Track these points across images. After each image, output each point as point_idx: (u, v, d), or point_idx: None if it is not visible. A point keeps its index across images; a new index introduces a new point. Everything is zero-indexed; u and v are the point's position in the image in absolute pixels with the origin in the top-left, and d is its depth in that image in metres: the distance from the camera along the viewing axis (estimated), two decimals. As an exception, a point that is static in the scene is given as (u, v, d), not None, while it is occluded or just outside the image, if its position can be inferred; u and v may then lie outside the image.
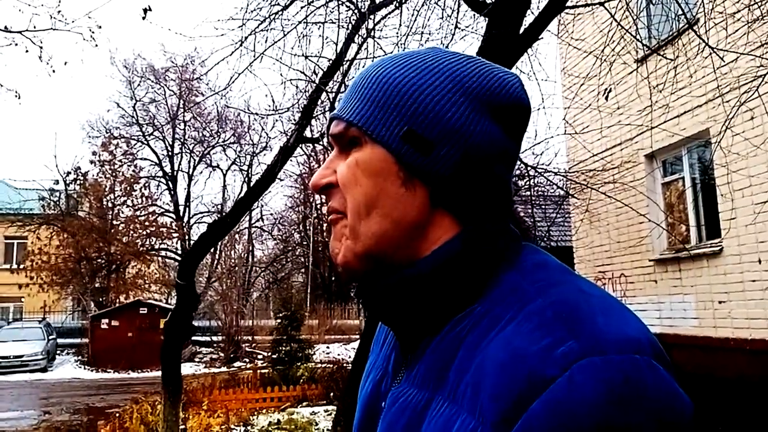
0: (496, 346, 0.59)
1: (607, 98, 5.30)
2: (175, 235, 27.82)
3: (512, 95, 0.71)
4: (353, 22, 5.84)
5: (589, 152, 9.81)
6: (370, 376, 0.81)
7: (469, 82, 0.70)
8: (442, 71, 0.70)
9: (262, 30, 5.41)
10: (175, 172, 32.39)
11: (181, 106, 29.48)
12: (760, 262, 7.16)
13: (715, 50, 4.12)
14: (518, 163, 8.91)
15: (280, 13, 5.47)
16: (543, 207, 12.44)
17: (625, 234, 9.71)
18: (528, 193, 10.55)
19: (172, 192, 31.96)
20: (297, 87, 6.13)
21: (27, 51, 7.99)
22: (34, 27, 8.98)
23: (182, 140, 32.27)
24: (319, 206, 33.55)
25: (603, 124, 9.32)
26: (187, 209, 32.79)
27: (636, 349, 0.55)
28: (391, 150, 0.69)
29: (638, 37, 4.71)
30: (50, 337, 21.77)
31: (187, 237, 27.68)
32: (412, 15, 5.15)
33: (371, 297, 0.72)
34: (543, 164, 9.85)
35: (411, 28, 5.30)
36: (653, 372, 0.54)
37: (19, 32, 8.88)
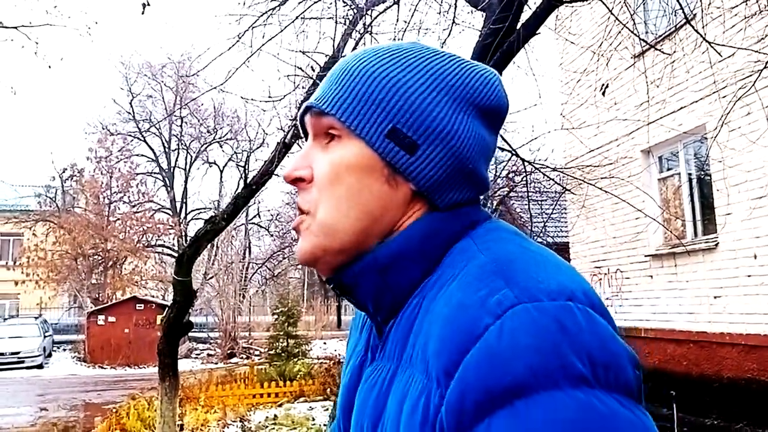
0: (440, 302, 0.61)
1: (604, 94, 5.31)
2: (171, 231, 27.76)
3: (495, 95, 0.72)
4: (350, 17, 5.83)
5: (585, 147, 9.83)
6: (351, 361, 0.80)
7: (454, 80, 0.70)
8: (427, 69, 0.70)
9: (259, 25, 5.40)
10: (171, 169, 32.34)
11: (178, 102, 29.39)
12: (755, 257, 7.19)
13: (712, 45, 4.12)
14: (515, 158, 8.95)
15: (277, 8, 5.46)
16: (539, 202, 12.47)
17: (621, 229, 9.73)
18: (524, 188, 10.57)
19: (169, 188, 31.91)
20: (294, 83, 6.11)
21: (23, 47, 7.94)
22: (30, 23, 8.95)
23: (179, 136, 32.21)
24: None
25: (600, 120, 9.34)
26: (184, 206, 32.75)
27: (569, 297, 0.55)
28: (374, 148, 0.69)
29: (636, 31, 4.71)
30: (46, 334, 21.73)
31: (183, 233, 27.62)
32: (410, 10, 5.14)
33: (342, 283, 0.72)
34: (540, 160, 9.86)
35: (408, 23, 5.29)
36: (586, 317, 0.54)
37: (15, 28, 8.85)
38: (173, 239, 28.96)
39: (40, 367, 19.56)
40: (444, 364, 0.55)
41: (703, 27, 4.42)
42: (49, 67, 11.36)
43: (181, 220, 29.53)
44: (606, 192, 7.03)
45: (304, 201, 0.72)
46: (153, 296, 24.86)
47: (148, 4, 4.45)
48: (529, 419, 0.49)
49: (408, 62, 0.70)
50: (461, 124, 0.69)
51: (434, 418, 0.55)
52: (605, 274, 10.35)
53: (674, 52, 5.54)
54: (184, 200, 32.80)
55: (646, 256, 9.19)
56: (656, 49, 4.93)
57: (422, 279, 0.68)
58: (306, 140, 0.76)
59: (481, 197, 0.76)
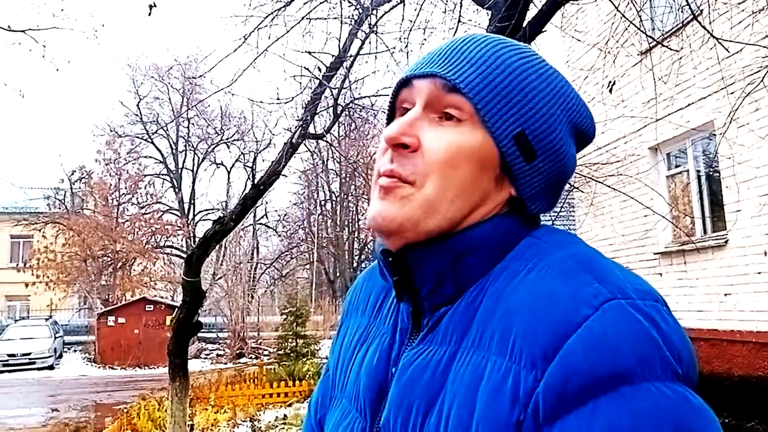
0: (522, 291, 0.62)
1: (611, 91, 5.28)
2: (180, 232, 27.89)
3: (591, 122, 0.75)
4: (356, 17, 5.84)
5: (593, 144, 9.79)
6: (371, 345, 0.77)
7: (571, 98, 0.72)
8: (554, 80, 0.71)
9: (265, 26, 5.41)
10: (179, 170, 32.46)
11: (185, 103, 29.50)
12: (765, 254, 7.14)
13: (719, 41, 4.10)
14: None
15: (283, 9, 5.47)
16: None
17: (629, 227, 9.69)
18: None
19: (177, 189, 32.03)
20: (300, 83, 6.12)
21: (31, 50, 7.99)
22: (37, 26, 9.01)
23: (186, 138, 32.33)
24: (323, 202, 33.58)
25: (607, 117, 9.30)
26: (192, 207, 32.87)
27: (655, 299, 0.59)
28: (500, 145, 0.68)
29: (642, 28, 4.69)
30: (57, 335, 21.88)
31: (192, 234, 27.73)
32: (415, 10, 5.14)
33: (404, 261, 0.70)
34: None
35: (414, 22, 5.29)
36: (672, 318, 0.58)
37: (22, 31, 8.90)
38: (181, 240, 29.10)
39: (51, 368, 19.70)
40: (541, 348, 0.57)
41: (710, 23, 4.40)
42: (57, 70, 11.41)
43: (189, 221, 29.65)
44: (614, 189, 7.01)
45: (407, 169, 0.69)
46: (162, 297, 24.99)
47: (155, 6, 4.48)
48: (635, 405, 0.52)
49: (540, 68, 0.71)
50: (568, 143, 0.71)
51: (527, 399, 0.56)
52: (614, 271, 10.31)
53: (681, 48, 5.50)
54: (192, 201, 32.92)
55: (655, 253, 9.15)
56: (663, 46, 4.90)
57: (487, 270, 0.69)
58: (409, 105, 0.73)
59: None
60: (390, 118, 0.76)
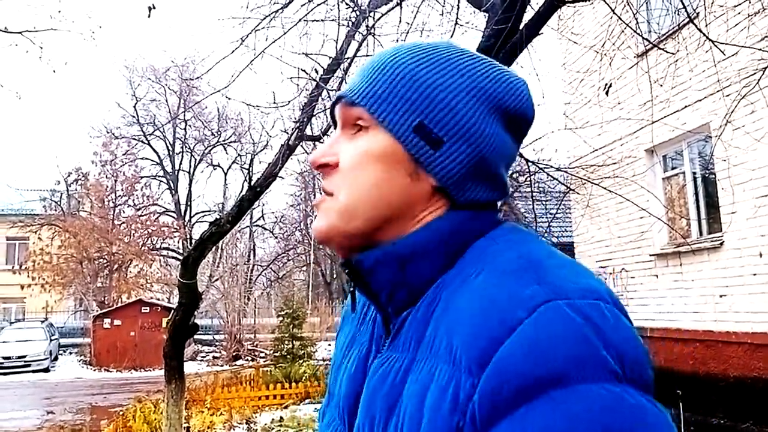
0: (467, 295, 0.63)
1: (607, 93, 5.30)
2: (176, 234, 27.84)
3: (522, 102, 0.74)
4: (353, 19, 5.84)
5: (589, 147, 9.81)
6: (353, 352, 0.80)
7: (484, 83, 0.72)
8: (457, 69, 0.72)
9: (262, 28, 5.41)
10: (176, 172, 32.43)
11: (182, 105, 29.47)
12: (761, 255, 7.16)
13: (715, 44, 4.11)
14: (519, 158, 8.94)
15: (280, 11, 5.47)
16: (543, 202, 12.45)
17: (625, 229, 9.71)
18: (528, 188, 10.56)
19: (173, 191, 32.00)
20: (297, 85, 6.12)
21: (27, 52, 7.98)
22: (34, 27, 8.99)
23: (183, 139, 32.29)
24: (319, 204, 33.41)
25: (603, 119, 9.33)
26: (189, 208, 32.81)
27: (597, 297, 0.58)
28: (400, 140, 0.71)
29: (638, 31, 4.71)
30: (53, 337, 21.79)
31: (188, 236, 27.69)
32: (412, 12, 5.15)
33: (359, 268, 0.73)
34: (543, 160, 9.86)
35: (411, 25, 5.29)
36: (613, 316, 0.57)
37: (19, 32, 8.88)
38: (178, 242, 29.06)
39: (46, 370, 19.62)
40: (477, 355, 0.57)
41: (706, 26, 4.42)
42: (54, 71, 11.38)
43: (185, 223, 29.60)
44: (610, 191, 7.02)
45: (329, 184, 0.75)
46: (158, 299, 24.91)
47: (154, 7, 4.47)
48: (567, 408, 0.52)
49: (439, 61, 0.73)
50: (486, 125, 0.71)
51: (465, 406, 0.57)
52: (610, 273, 10.33)
53: (678, 51, 5.53)
54: (189, 203, 32.87)
55: (651, 255, 9.17)
56: (659, 48, 4.92)
57: (440, 274, 0.70)
58: (335, 129, 0.78)
59: (500, 202, 0.78)
60: None
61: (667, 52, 5.25)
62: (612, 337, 0.55)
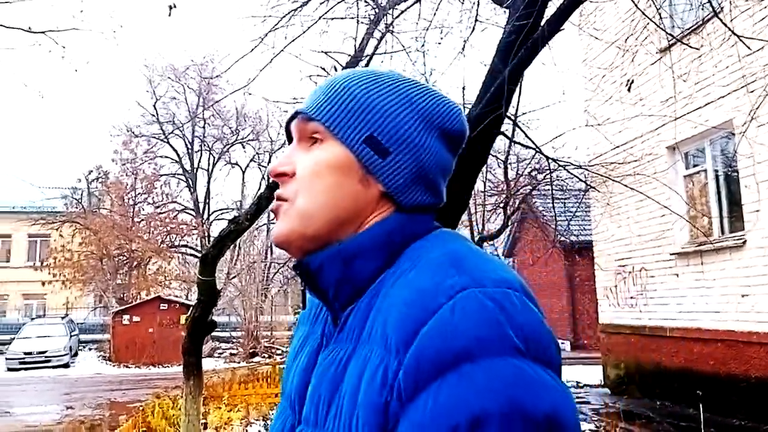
0: (400, 287, 0.71)
1: (629, 89, 5.22)
2: (194, 232, 28.01)
3: (456, 122, 0.85)
4: (372, 17, 5.82)
5: (610, 144, 9.72)
6: (304, 348, 0.88)
7: (423, 104, 0.83)
8: (402, 92, 0.83)
9: (281, 27, 5.41)
10: (194, 170, 32.59)
11: (201, 104, 29.64)
12: (786, 254, 7.05)
13: (741, 39, 4.04)
14: (538, 156, 8.88)
15: (299, 9, 5.47)
16: (563, 201, 12.36)
17: (645, 227, 9.61)
18: (547, 187, 10.47)
19: (192, 189, 32.17)
20: (316, 83, 6.12)
21: (50, 51, 8.06)
22: (57, 27, 9.08)
23: (202, 138, 32.45)
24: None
25: (624, 116, 9.22)
26: (207, 206, 32.99)
27: (508, 286, 0.67)
28: (353, 151, 0.80)
29: (662, 25, 4.64)
30: (73, 333, 22.06)
31: (206, 234, 27.85)
32: (432, 9, 5.12)
33: (308, 268, 0.81)
34: (562, 158, 9.78)
35: (431, 22, 5.27)
36: (521, 302, 0.66)
37: (42, 32, 8.98)
38: (196, 239, 29.21)
39: (66, 366, 19.86)
40: (403, 336, 0.65)
41: (731, 20, 4.34)
42: (76, 70, 11.50)
43: (204, 221, 29.77)
44: (632, 189, 6.94)
45: (285, 191, 0.83)
46: (177, 296, 25.08)
47: (175, 6, 4.49)
48: (473, 379, 0.60)
49: (386, 85, 0.83)
50: (425, 139, 0.82)
51: (392, 382, 0.65)
52: (629, 272, 10.23)
53: (702, 46, 5.44)
54: (207, 201, 33.06)
55: (671, 254, 9.07)
56: (683, 43, 4.84)
57: (381, 272, 0.78)
58: (291, 143, 0.87)
59: (435, 211, 0.87)
60: None
61: (690, 47, 5.16)
62: (518, 319, 0.64)
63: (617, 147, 9.85)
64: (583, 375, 12.52)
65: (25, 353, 19.54)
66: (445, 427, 0.59)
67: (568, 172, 7.21)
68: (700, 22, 6.45)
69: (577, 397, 10.22)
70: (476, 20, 4.83)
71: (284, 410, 0.88)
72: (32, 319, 25.74)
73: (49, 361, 19.54)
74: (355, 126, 0.81)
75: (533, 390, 0.60)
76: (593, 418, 8.59)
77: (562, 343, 20.43)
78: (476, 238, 9.57)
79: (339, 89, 0.83)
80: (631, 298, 10.19)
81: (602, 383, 11.26)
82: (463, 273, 0.68)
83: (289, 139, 0.89)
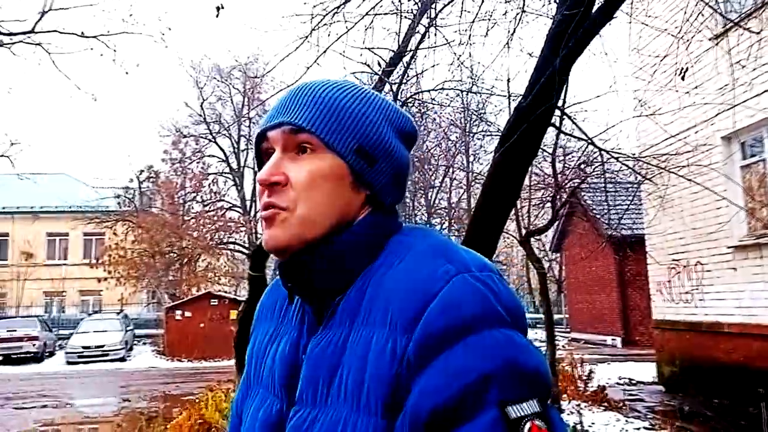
0: (395, 277, 0.82)
1: (683, 78, 5.04)
2: (242, 229, 28.47)
3: (411, 125, 0.97)
4: (415, 12, 5.79)
5: (664, 132, 9.42)
6: (280, 341, 0.95)
7: (391, 113, 0.94)
8: (374, 102, 0.93)
9: (325, 24, 5.43)
10: (241, 168, 33.09)
11: (246, 103, 30.08)
12: None
13: (804, 21, 3.86)
14: (587, 148, 8.68)
15: (343, 5, 5.48)
16: (613, 194, 12.08)
17: (701, 220, 9.31)
18: (595, 180, 10.23)
19: (239, 187, 32.68)
20: (359, 80, 6.12)
21: (102, 55, 8.31)
22: (108, 32, 9.35)
23: (247, 137, 32.94)
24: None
25: (677, 105, 8.94)
26: (254, 204, 33.49)
27: (489, 270, 0.81)
28: (346, 160, 0.88)
29: (719, 9, 4.47)
30: (128, 328, 22.76)
31: (254, 230, 28.28)
32: (475, 1, 5.06)
33: (298, 267, 0.88)
34: (612, 149, 9.54)
35: (477, 15, 5.20)
36: (501, 282, 0.81)
37: (94, 37, 9.26)
38: (244, 236, 29.68)
39: (122, 360, 20.52)
40: (411, 317, 0.76)
41: (793, 2, 4.15)
42: (126, 73, 11.83)
43: (251, 218, 30.24)
44: (689, 181, 6.72)
45: (282, 199, 0.88)
46: (226, 292, 25.60)
47: (222, 7, 4.56)
48: (477, 347, 0.73)
49: (363, 96, 0.92)
50: (396, 143, 0.93)
51: (401, 356, 0.76)
52: (684, 266, 9.94)
53: (761, 30, 5.21)
54: (254, 198, 33.56)
55: (728, 247, 8.77)
56: (741, 27, 4.65)
57: (367, 265, 0.88)
58: (262, 152, 0.94)
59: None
60: (260, 165, 0.95)
61: (750, 31, 4.95)
62: (502, 297, 0.78)
63: (669, 138, 9.57)
64: (635, 372, 12.25)
65: (84, 347, 20.26)
66: (457, 386, 0.72)
67: (621, 163, 7.02)
68: (760, 4, 6.18)
69: (630, 395, 10.01)
70: (522, 11, 4.75)
71: (265, 398, 0.94)
72: (89, 314, 26.67)
73: (106, 355, 20.21)
74: (347, 138, 0.88)
75: (522, 351, 0.75)
76: (648, 416, 8.38)
77: (613, 339, 19.99)
78: (523, 233, 9.42)
79: (328, 102, 0.89)
80: (686, 293, 9.90)
81: (656, 380, 10.99)
82: (451, 260, 0.81)
83: (259, 157, 0.95)
